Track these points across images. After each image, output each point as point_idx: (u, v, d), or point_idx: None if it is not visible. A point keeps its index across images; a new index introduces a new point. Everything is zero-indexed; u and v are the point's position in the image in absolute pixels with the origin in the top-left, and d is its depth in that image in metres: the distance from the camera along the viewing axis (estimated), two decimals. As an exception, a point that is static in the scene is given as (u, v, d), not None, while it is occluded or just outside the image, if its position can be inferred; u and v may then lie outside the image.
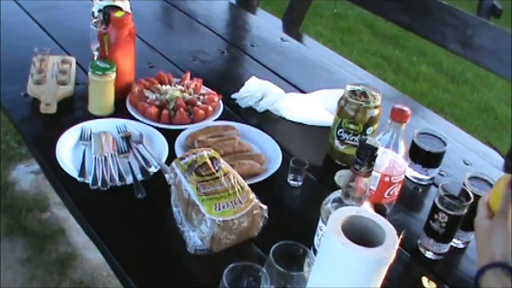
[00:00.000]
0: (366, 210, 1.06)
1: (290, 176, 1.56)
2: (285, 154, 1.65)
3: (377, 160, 1.27)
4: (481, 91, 5.05)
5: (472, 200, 1.35)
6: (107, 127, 1.66)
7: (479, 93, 5.00)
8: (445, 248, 1.41)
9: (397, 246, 0.94)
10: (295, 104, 1.89)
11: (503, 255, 1.06)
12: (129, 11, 1.91)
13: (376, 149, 1.05)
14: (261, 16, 3.42)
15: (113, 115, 1.75)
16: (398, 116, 1.36)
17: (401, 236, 0.95)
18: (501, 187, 1.14)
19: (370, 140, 1.06)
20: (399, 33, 5.57)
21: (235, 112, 1.90)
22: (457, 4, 7.91)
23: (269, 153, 1.65)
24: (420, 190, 1.68)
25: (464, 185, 1.42)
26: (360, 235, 0.97)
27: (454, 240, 1.44)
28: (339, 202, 1.13)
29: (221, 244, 1.29)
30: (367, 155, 1.06)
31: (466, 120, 4.42)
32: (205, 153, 1.37)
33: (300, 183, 1.56)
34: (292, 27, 3.65)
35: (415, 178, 1.70)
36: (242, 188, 1.32)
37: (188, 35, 2.52)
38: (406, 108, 1.36)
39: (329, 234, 0.93)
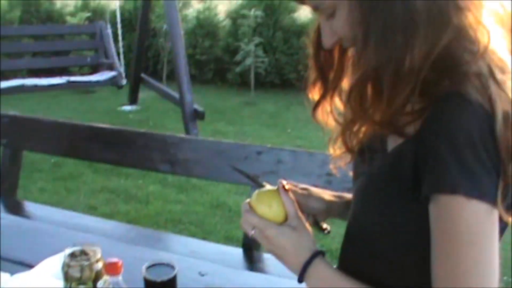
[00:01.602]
0: None
1: None
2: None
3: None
4: (209, 190, 5.39)
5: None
6: None
7: (208, 194, 5.32)
8: None
9: None
10: (25, 284, 1.89)
11: (314, 246, 1.26)
12: None
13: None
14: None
15: None
16: (111, 270, 1.45)
17: None
18: (267, 198, 1.32)
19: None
20: (119, 163, 5.75)
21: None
22: (166, 117, 8.32)
23: None
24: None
25: None
26: None
27: None
28: None
29: None
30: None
31: (204, 222, 4.68)
32: None
33: None
34: (9, 197, 3.61)
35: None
36: None
37: None
38: (116, 260, 1.46)
39: None
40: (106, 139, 3.48)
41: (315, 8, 1.20)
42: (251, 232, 1.32)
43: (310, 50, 1.32)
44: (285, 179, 1.40)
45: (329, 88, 1.31)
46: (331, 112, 1.32)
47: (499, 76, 1.06)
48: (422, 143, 1.05)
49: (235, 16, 10.51)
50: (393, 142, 1.19)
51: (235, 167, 1.55)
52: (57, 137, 3.61)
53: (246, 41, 9.47)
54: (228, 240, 4.28)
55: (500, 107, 1.01)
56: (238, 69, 9.79)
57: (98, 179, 5.70)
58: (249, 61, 9.24)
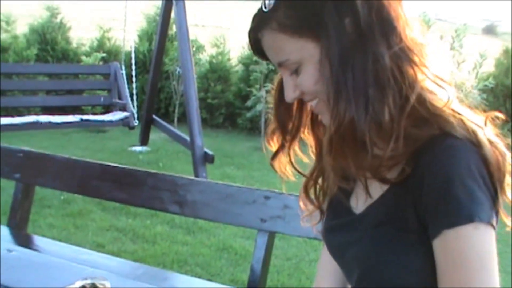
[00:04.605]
0: None
1: None
2: None
3: None
4: (216, 233, 5.43)
5: None
6: None
7: (215, 236, 5.36)
8: None
9: None
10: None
11: None
12: None
13: None
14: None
15: None
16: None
17: None
18: None
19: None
20: (127, 202, 5.79)
21: None
22: (176, 159, 8.33)
23: None
24: None
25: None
26: None
27: None
28: None
29: None
30: None
31: (210, 264, 4.71)
32: None
33: None
34: (19, 230, 3.67)
35: None
36: None
37: None
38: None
39: None
40: (117, 178, 3.54)
41: (279, 64, 1.25)
42: None
43: (272, 101, 1.38)
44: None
45: (288, 138, 1.37)
46: (289, 161, 1.38)
47: (463, 111, 1.17)
48: (421, 185, 1.12)
49: (248, 62, 10.68)
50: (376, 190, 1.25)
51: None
52: (69, 174, 3.68)
53: (257, 87, 9.60)
54: (233, 283, 4.30)
55: (483, 136, 1.12)
56: (248, 114, 9.91)
57: (106, 217, 5.75)
58: (259, 107, 9.34)
